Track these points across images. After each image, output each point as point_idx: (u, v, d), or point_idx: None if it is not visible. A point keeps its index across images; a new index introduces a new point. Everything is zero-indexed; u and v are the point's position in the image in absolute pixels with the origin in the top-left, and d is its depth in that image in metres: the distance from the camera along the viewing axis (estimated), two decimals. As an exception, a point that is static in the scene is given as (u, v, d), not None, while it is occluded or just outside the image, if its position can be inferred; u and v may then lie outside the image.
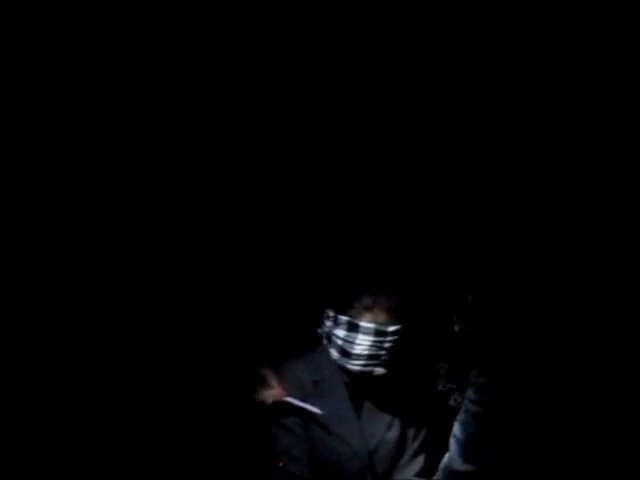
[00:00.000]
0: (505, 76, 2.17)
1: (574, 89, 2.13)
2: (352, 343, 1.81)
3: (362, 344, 1.80)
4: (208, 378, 2.01)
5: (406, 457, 1.95)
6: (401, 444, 1.94)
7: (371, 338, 1.80)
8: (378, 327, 1.81)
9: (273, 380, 1.88)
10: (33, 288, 2.02)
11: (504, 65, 2.16)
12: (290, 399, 1.87)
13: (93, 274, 2.07)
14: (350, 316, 1.84)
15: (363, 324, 1.81)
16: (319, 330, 1.94)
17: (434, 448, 1.96)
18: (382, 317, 1.82)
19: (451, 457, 1.79)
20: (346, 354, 1.83)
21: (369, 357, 1.81)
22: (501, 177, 2.17)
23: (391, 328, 1.81)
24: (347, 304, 1.86)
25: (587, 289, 2.02)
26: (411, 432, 1.96)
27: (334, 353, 1.87)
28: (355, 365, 1.83)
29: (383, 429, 1.92)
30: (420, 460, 1.95)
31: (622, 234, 2.06)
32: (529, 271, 2.04)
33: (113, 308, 2.07)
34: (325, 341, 1.92)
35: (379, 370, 1.83)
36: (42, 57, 2.02)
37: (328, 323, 1.90)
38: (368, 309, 1.83)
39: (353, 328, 1.82)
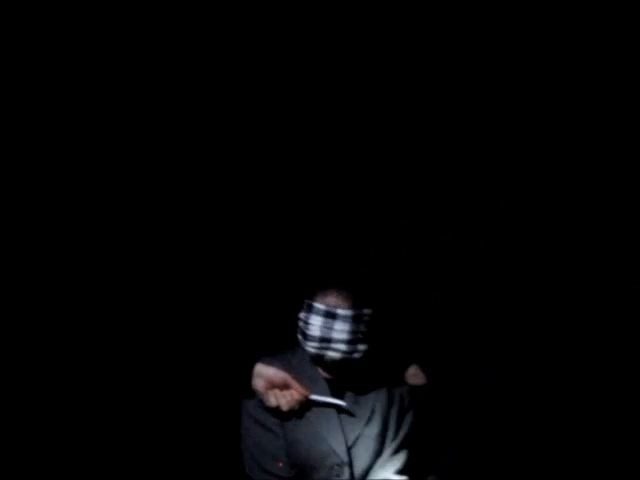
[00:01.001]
0: (504, 77, 2.17)
1: (573, 90, 2.13)
2: (307, 324, 1.88)
3: (314, 324, 1.86)
4: (202, 378, 2.01)
5: (386, 454, 1.94)
6: (381, 440, 1.93)
7: (320, 319, 1.86)
8: (327, 308, 1.86)
9: (293, 380, 1.87)
10: (33, 289, 2.02)
11: (503, 66, 2.16)
12: (314, 397, 1.88)
13: (92, 274, 2.07)
14: (309, 298, 1.90)
15: (315, 304, 1.88)
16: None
17: (418, 447, 1.97)
18: (332, 300, 1.87)
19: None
20: (304, 335, 1.89)
21: (321, 339, 1.85)
22: (501, 177, 2.17)
23: (340, 311, 1.86)
24: (312, 289, 1.92)
25: (587, 289, 2.03)
26: (392, 428, 1.96)
27: (299, 336, 1.92)
28: (310, 347, 1.87)
29: (362, 424, 1.92)
30: (401, 458, 1.94)
31: (622, 234, 2.07)
32: (529, 271, 2.04)
33: (110, 309, 2.06)
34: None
35: (331, 354, 1.86)
36: (42, 57, 2.02)
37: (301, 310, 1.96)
38: (322, 291, 1.89)
39: (308, 309, 1.89)
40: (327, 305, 1.86)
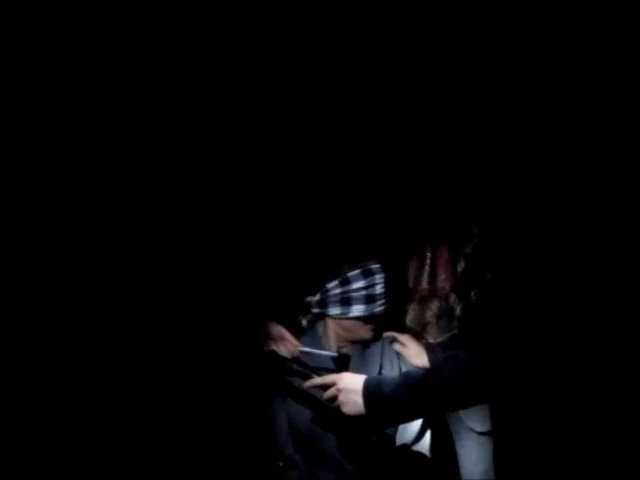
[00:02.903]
0: (505, 77, 2.17)
1: (573, 90, 2.13)
2: (348, 292, 1.95)
3: (358, 287, 1.94)
4: (210, 368, 2.04)
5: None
6: None
7: (362, 282, 1.95)
8: (362, 269, 1.97)
9: (287, 332, 1.97)
10: (33, 289, 2.03)
11: (503, 65, 2.17)
12: (305, 348, 1.97)
13: (92, 272, 2.08)
14: (338, 274, 2.00)
15: (349, 274, 1.97)
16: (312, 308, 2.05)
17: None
18: (360, 261, 2.00)
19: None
20: (346, 303, 1.96)
21: (367, 298, 1.95)
22: (500, 177, 2.17)
23: (372, 265, 1.98)
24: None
25: (586, 288, 2.03)
26: None
27: (337, 311, 1.98)
28: (357, 311, 1.94)
29: None
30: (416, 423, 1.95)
31: (622, 234, 2.07)
32: (529, 271, 2.04)
33: (111, 304, 2.07)
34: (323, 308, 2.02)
35: (377, 310, 1.95)
36: (42, 58, 2.03)
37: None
38: (348, 262, 2.00)
39: (344, 282, 1.97)
40: (359, 266, 1.96)
